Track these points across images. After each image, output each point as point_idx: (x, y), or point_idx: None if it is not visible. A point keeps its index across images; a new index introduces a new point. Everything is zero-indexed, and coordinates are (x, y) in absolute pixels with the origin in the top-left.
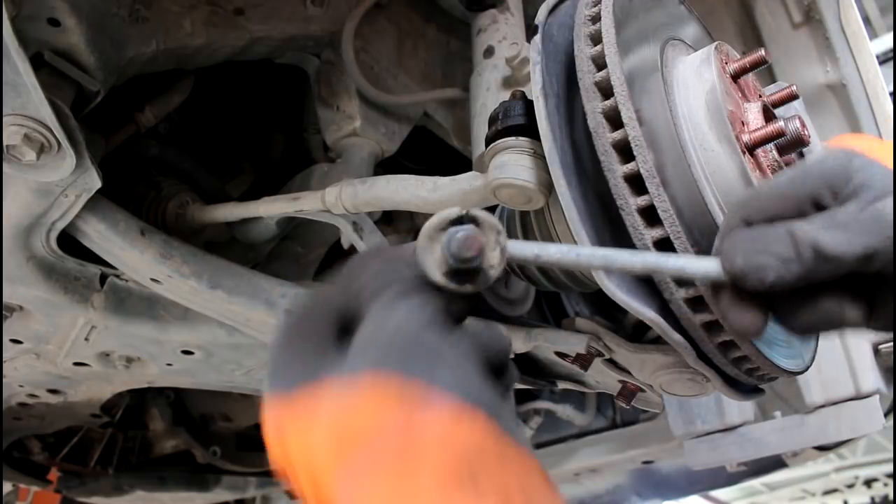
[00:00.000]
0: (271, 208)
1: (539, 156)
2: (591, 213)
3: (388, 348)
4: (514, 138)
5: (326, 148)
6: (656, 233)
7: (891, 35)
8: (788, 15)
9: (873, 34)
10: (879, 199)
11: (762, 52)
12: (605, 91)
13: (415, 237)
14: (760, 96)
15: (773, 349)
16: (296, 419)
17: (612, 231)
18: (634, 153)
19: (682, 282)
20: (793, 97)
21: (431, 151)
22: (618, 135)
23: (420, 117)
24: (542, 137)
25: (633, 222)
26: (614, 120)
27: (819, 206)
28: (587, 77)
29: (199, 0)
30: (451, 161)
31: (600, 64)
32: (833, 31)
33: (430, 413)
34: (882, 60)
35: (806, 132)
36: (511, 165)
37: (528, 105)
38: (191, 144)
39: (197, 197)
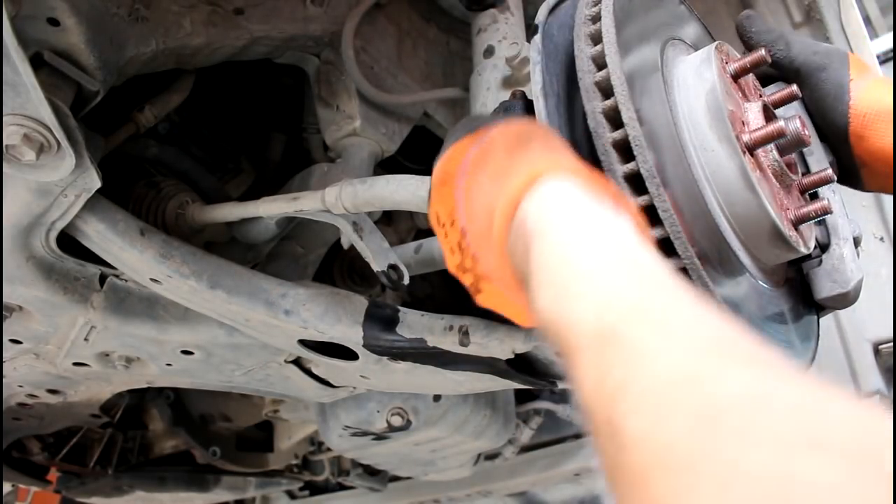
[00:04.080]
0: (271, 208)
1: None
2: None
3: (461, 126)
4: None
5: (326, 148)
6: (657, 233)
7: (891, 35)
8: (789, 15)
9: (873, 34)
10: None
11: (762, 51)
12: (606, 91)
13: (415, 237)
14: (761, 96)
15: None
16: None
17: None
18: (634, 153)
19: None
20: (793, 97)
21: (431, 151)
22: (618, 134)
23: (420, 117)
24: None
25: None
26: (614, 120)
27: None
28: (587, 77)
29: (199, 0)
30: None
31: (600, 64)
32: (833, 31)
33: (492, 129)
34: (882, 60)
35: (806, 132)
36: None
37: (528, 105)
38: (190, 144)
39: (197, 197)
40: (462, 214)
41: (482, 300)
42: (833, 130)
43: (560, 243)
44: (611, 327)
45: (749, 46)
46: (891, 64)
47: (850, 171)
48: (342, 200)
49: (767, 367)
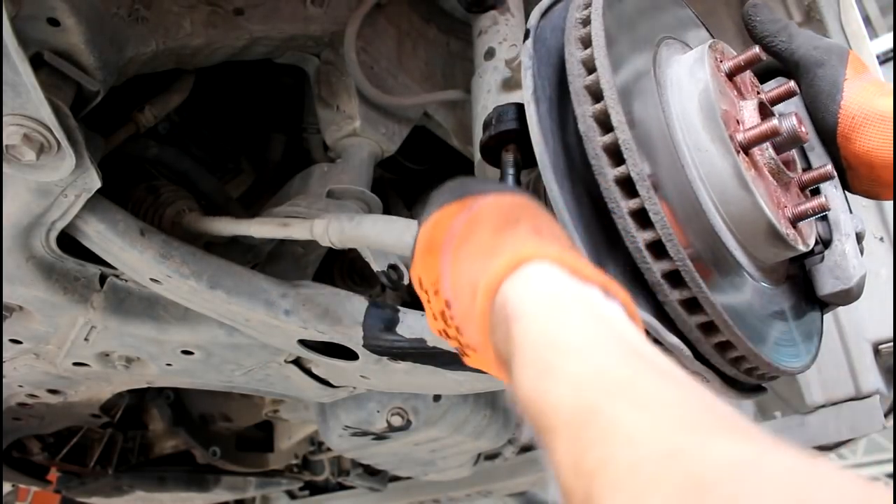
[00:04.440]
0: (262, 230)
1: None
2: (583, 216)
3: (447, 191)
4: None
5: (326, 148)
6: (648, 235)
7: (891, 35)
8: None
9: (873, 34)
10: None
11: (756, 49)
12: (596, 94)
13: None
14: (758, 93)
15: (773, 348)
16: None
17: (604, 234)
18: (625, 156)
19: (677, 283)
20: (791, 93)
21: (431, 151)
22: (608, 138)
23: (420, 117)
24: (533, 142)
25: (625, 225)
26: (604, 123)
27: None
28: (577, 81)
29: (199, 0)
30: (452, 161)
31: (590, 67)
32: (833, 31)
33: (481, 200)
34: (882, 60)
35: (803, 129)
36: None
37: (521, 110)
38: (190, 144)
39: (195, 205)
40: (447, 287)
41: (469, 363)
42: (823, 129)
43: (541, 324)
44: (590, 404)
45: (753, 35)
46: (891, 64)
47: (839, 171)
48: (329, 235)
49: (751, 438)
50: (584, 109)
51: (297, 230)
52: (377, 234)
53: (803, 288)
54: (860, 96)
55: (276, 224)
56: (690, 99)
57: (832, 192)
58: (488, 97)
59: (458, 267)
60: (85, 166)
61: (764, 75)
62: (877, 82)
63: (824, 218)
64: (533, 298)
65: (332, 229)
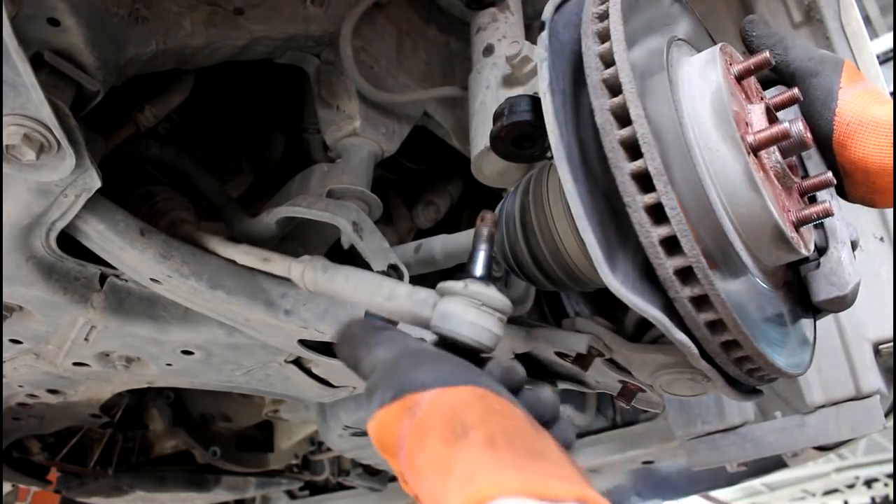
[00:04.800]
0: (246, 259)
1: (486, 308)
2: (596, 210)
3: (385, 383)
4: (464, 284)
5: (326, 148)
6: (663, 230)
7: (891, 35)
8: (789, 15)
9: (873, 34)
10: None
11: (767, 53)
12: (613, 88)
13: (415, 237)
14: (763, 98)
15: (773, 350)
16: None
17: (616, 229)
18: (643, 150)
19: (687, 280)
20: (794, 101)
21: (431, 151)
22: (626, 132)
23: (420, 117)
24: (549, 133)
25: (640, 220)
26: (622, 117)
27: None
28: (595, 74)
29: (199, 0)
30: (451, 161)
31: (608, 61)
32: (833, 31)
33: (421, 402)
34: (882, 60)
35: (808, 135)
36: (455, 318)
37: (534, 101)
38: (190, 144)
39: (190, 214)
40: (413, 486)
41: None
42: (819, 137)
43: None
44: None
45: (751, 50)
46: (891, 64)
47: (836, 178)
48: (305, 280)
49: None
50: (601, 102)
51: (276, 266)
52: (349, 290)
53: (798, 294)
54: (855, 104)
55: (258, 257)
56: (702, 99)
57: (829, 199)
58: (487, 93)
59: (417, 479)
60: (85, 166)
61: (762, 86)
62: (872, 90)
63: (819, 225)
64: None
65: (307, 276)
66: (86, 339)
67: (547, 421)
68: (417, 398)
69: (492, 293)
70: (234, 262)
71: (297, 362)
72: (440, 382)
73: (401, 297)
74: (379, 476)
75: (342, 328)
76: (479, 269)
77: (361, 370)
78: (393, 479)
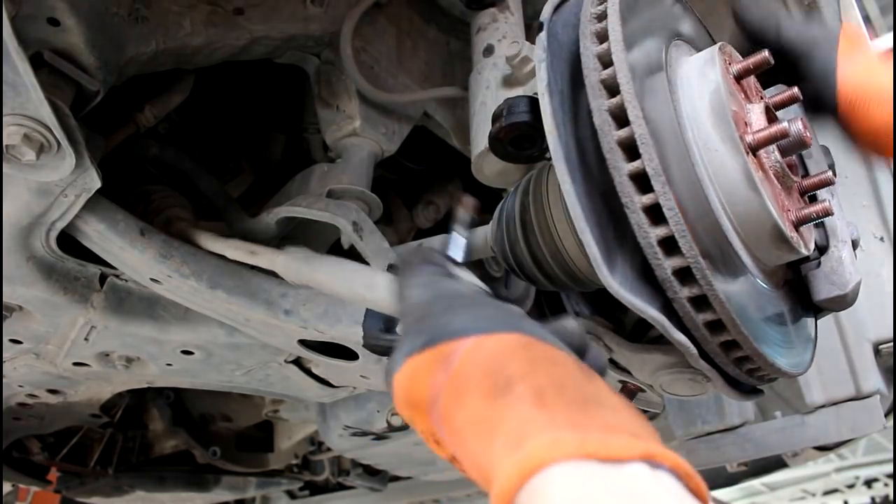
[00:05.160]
0: (235, 253)
1: None
2: (595, 210)
3: (416, 330)
4: None
5: (326, 148)
6: (661, 231)
7: (891, 35)
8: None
9: (873, 34)
10: None
11: (766, 53)
12: (611, 89)
13: (415, 237)
14: (762, 98)
15: (773, 350)
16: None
17: (615, 229)
18: (640, 151)
19: (686, 280)
20: (794, 100)
21: (431, 151)
22: (624, 132)
23: (420, 117)
24: (547, 134)
25: (638, 220)
26: (620, 118)
27: None
28: (593, 75)
29: (199, 0)
30: (451, 161)
31: (606, 62)
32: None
33: (457, 352)
34: None
35: (808, 134)
36: None
37: (533, 102)
38: (190, 144)
39: (186, 211)
40: (450, 446)
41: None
42: (824, 112)
43: None
44: None
45: (744, 29)
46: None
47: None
48: (288, 271)
49: None
50: (599, 103)
51: (263, 259)
52: (330, 281)
53: (799, 293)
54: (854, 78)
55: (246, 251)
56: (701, 99)
57: (829, 198)
58: (487, 93)
59: (456, 438)
60: (85, 166)
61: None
62: (870, 58)
63: (820, 224)
64: None
65: (291, 267)
66: (86, 339)
67: (579, 353)
68: (453, 346)
69: (469, 278)
70: (234, 262)
71: (297, 362)
72: (478, 329)
73: (380, 287)
74: (379, 476)
75: (399, 258)
76: (456, 254)
77: (398, 312)
78: (393, 479)
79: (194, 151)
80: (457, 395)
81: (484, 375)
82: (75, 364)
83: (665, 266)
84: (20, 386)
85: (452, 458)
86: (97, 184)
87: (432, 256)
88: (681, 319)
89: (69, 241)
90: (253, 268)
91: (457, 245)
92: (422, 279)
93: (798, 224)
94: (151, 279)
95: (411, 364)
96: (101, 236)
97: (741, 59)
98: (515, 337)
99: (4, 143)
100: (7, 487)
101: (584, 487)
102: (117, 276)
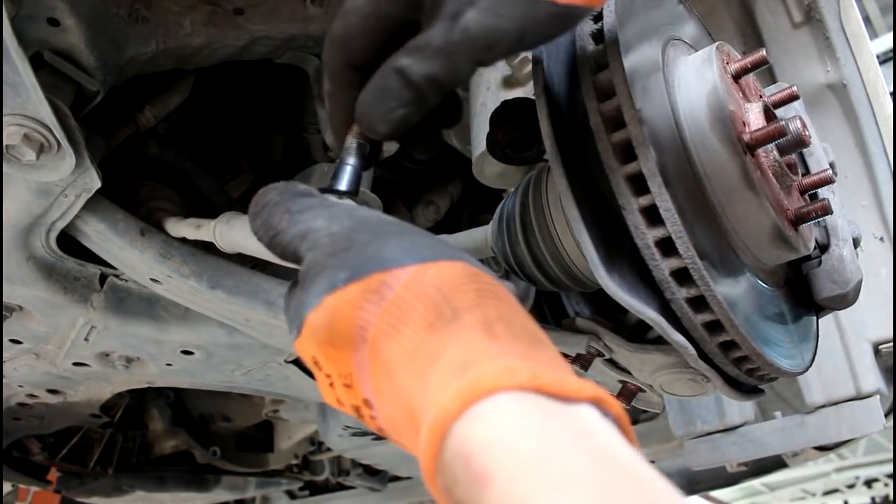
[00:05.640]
0: (185, 231)
1: None
2: (592, 212)
3: (336, 261)
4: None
5: (326, 148)
6: (658, 232)
7: (891, 35)
8: (789, 14)
9: (873, 34)
10: (460, 14)
11: (763, 52)
12: (607, 90)
13: None
14: (761, 97)
15: (773, 349)
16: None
17: (613, 231)
18: (637, 153)
19: (684, 281)
20: (793, 98)
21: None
22: (620, 134)
23: None
24: (543, 136)
25: (635, 222)
26: (616, 119)
27: (412, 25)
28: (588, 76)
29: (199, 0)
30: (451, 161)
31: (602, 63)
32: (833, 31)
33: (394, 281)
34: (882, 60)
35: (807, 133)
36: None
37: (529, 104)
38: (190, 144)
39: (170, 204)
40: (367, 389)
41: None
42: None
43: (525, 488)
44: None
45: None
46: (891, 64)
47: None
48: (217, 237)
49: None
50: (595, 105)
51: (204, 232)
52: (242, 239)
53: (799, 291)
54: None
55: (192, 226)
56: (699, 98)
57: (830, 196)
58: (487, 94)
59: (382, 373)
60: (85, 166)
61: None
62: None
63: (821, 223)
64: (509, 449)
65: (216, 231)
66: (86, 339)
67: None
68: (387, 277)
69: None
70: (235, 262)
71: (297, 362)
72: (417, 258)
73: None
74: (379, 476)
75: (256, 197)
76: (342, 183)
77: (280, 245)
78: (393, 479)
79: (194, 151)
80: (391, 328)
81: (427, 307)
82: (75, 364)
83: (662, 267)
84: (20, 386)
85: (365, 401)
86: (97, 184)
87: (303, 188)
88: (679, 320)
89: (69, 241)
90: (253, 267)
91: (344, 174)
92: (317, 204)
93: (797, 223)
94: (151, 279)
95: (333, 300)
96: (100, 236)
97: (739, 57)
98: (460, 265)
99: (4, 143)
100: (7, 487)
101: (536, 418)
102: (117, 276)
